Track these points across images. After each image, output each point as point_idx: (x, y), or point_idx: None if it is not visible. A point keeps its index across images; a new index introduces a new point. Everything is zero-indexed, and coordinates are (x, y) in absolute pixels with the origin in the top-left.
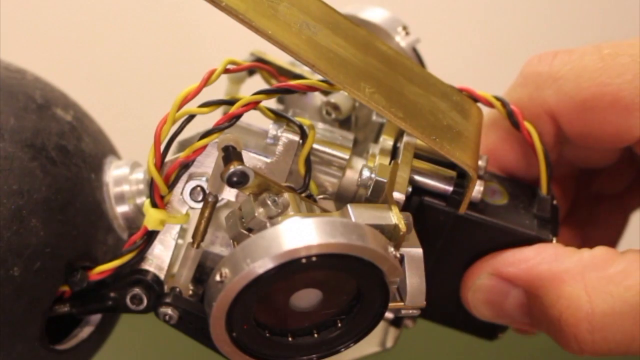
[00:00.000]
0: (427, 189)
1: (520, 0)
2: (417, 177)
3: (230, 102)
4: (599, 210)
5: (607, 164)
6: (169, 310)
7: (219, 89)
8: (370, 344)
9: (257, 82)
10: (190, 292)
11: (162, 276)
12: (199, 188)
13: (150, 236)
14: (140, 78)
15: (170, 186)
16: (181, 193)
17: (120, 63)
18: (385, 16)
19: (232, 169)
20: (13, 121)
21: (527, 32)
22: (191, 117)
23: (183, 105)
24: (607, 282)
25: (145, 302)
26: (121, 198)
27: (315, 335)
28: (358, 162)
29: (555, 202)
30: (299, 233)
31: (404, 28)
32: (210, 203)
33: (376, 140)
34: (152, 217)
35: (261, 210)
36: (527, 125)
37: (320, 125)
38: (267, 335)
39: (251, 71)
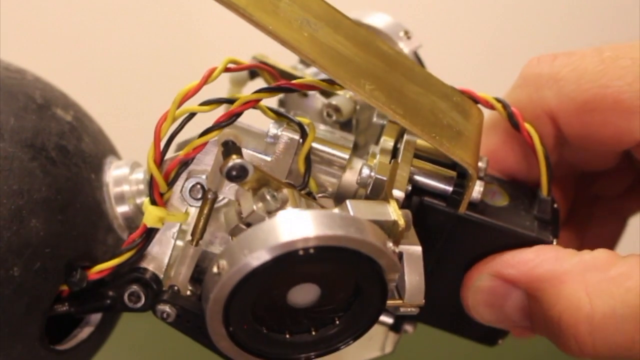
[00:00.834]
0: (427, 189)
1: (521, 3)
2: (417, 177)
3: (230, 101)
4: (597, 213)
5: (606, 167)
6: (167, 308)
7: (220, 91)
8: (369, 349)
9: (258, 86)
10: (189, 292)
11: (161, 275)
12: (198, 186)
13: (149, 234)
14: (140, 78)
15: (170, 184)
16: (180, 191)
17: (121, 63)
18: (387, 21)
19: (231, 162)
20: (13, 121)
21: (528, 35)
22: (191, 115)
23: (184, 102)
24: (608, 284)
25: (143, 300)
26: (121, 198)
27: (313, 333)
28: (358, 163)
29: (556, 205)
30: (296, 225)
31: (406, 33)
32: (209, 200)
33: (377, 142)
34: (151, 215)
35: (260, 205)
36: (528, 126)
37: (321, 127)
38: (265, 331)
39: (252, 74)
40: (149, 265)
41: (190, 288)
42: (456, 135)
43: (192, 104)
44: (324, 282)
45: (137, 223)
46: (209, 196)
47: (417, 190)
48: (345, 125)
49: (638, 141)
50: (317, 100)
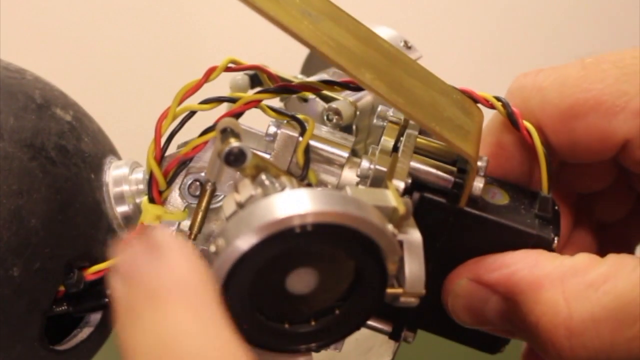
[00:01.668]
0: (427, 184)
1: (521, 3)
2: (417, 172)
3: (231, 100)
4: (601, 240)
5: (601, 185)
6: None
7: (220, 91)
8: (369, 358)
9: None
10: None
11: None
12: (197, 183)
13: None
14: (140, 78)
15: (169, 182)
16: (179, 188)
17: (121, 63)
18: (387, 33)
19: (229, 146)
20: (12, 121)
21: (528, 37)
22: (192, 113)
23: (184, 99)
24: (585, 288)
25: None
26: (121, 198)
27: (313, 323)
28: (358, 161)
29: (557, 207)
30: (294, 201)
31: (406, 43)
32: (207, 192)
33: (377, 143)
34: (148, 213)
35: (259, 190)
36: (527, 125)
37: (322, 128)
38: (264, 319)
39: (253, 81)
40: None
41: None
42: (456, 128)
43: (192, 103)
44: (323, 267)
45: (136, 223)
46: (207, 187)
47: (417, 185)
48: (345, 131)
49: (621, 142)
50: (318, 104)
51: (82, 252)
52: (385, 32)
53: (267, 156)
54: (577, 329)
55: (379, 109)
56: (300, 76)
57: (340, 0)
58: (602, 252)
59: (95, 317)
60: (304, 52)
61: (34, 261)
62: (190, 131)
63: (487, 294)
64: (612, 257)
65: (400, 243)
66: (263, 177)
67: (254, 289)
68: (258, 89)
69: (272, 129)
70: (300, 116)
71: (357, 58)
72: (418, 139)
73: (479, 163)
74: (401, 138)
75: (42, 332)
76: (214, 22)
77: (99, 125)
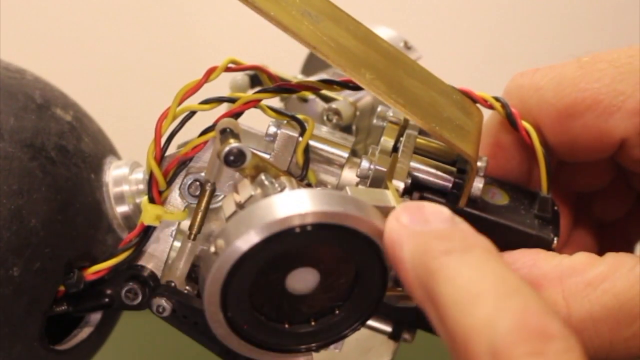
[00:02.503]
0: (427, 184)
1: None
2: (417, 172)
3: (230, 100)
4: (601, 240)
5: (600, 184)
6: (163, 302)
7: (220, 92)
8: (369, 358)
9: None
10: (186, 290)
11: (158, 273)
12: (197, 183)
13: (147, 232)
14: (140, 78)
15: (169, 182)
16: (179, 188)
17: (121, 63)
18: (389, 34)
19: (228, 146)
20: (13, 121)
21: (528, 37)
22: (192, 113)
23: (184, 99)
24: (584, 287)
25: (140, 297)
26: (121, 198)
27: (313, 323)
28: (357, 161)
29: (556, 207)
30: (293, 201)
31: (405, 44)
32: (207, 192)
33: (377, 144)
34: (148, 213)
35: (259, 190)
36: (526, 125)
37: (322, 128)
38: (263, 319)
39: (253, 81)
40: (147, 263)
41: (187, 287)
42: (456, 128)
43: (192, 103)
44: (323, 267)
45: (136, 223)
46: (207, 187)
47: (417, 186)
48: (345, 131)
49: (618, 141)
50: (317, 104)
51: (82, 252)
52: (385, 33)
53: (266, 156)
54: (576, 328)
55: (378, 109)
56: (300, 76)
57: (341, 0)
58: (601, 251)
59: (95, 317)
60: (304, 52)
61: (34, 261)
62: (190, 131)
63: None
64: (610, 256)
65: None
66: (262, 177)
67: (254, 288)
68: (258, 88)
69: (272, 129)
70: (300, 116)
71: (357, 58)
72: (418, 139)
73: (479, 163)
74: (401, 138)
75: (42, 332)
76: (214, 22)
77: (99, 126)
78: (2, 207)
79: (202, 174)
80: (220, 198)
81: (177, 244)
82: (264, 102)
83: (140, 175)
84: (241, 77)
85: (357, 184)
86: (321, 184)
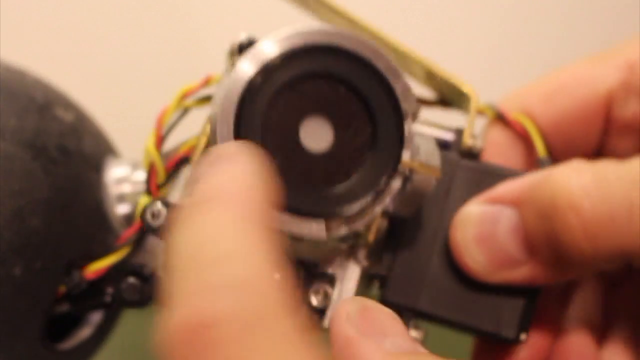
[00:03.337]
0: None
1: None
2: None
3: None
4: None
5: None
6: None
7: None
8: None
9: None
10: None
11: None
12: None
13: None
14: (141, 79)
15: (168, 178)
16: (179, 187)
17: (121, 64)
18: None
19: None
20: (14, 121)
21: (527, 36)
22: (186, 109)
23: (185, 98)
24: (604, 166)
25: (141, 292)
26: (122, 198)
27: (326, 187)
28: None
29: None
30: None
31: None
32: None
33: None
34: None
35: None
36: (516, 115)
37: None
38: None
39: None
40: (147, 259)
41: None
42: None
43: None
44: (336, 117)
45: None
46: None
47: None
48: None
49: (605, 96)
50: None
51: (83, 252)
52: None
53: None
54: (595, 188)
55: None
56: None
57: (342, 0)
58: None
59: (96, 316)
60: None
61: (35, 261)
62: (190, 131)
63: (498, 211)
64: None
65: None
66: None
67: (267, 135)
68: None
69: None
70: None
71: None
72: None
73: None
74: None
75: (43, 332)
76: (215, 23)
77: (100, 126)
78: (4, 207)
79: None
80: None
81: None
82: None
83: (141, 175)
84: None
85: None
86: None
